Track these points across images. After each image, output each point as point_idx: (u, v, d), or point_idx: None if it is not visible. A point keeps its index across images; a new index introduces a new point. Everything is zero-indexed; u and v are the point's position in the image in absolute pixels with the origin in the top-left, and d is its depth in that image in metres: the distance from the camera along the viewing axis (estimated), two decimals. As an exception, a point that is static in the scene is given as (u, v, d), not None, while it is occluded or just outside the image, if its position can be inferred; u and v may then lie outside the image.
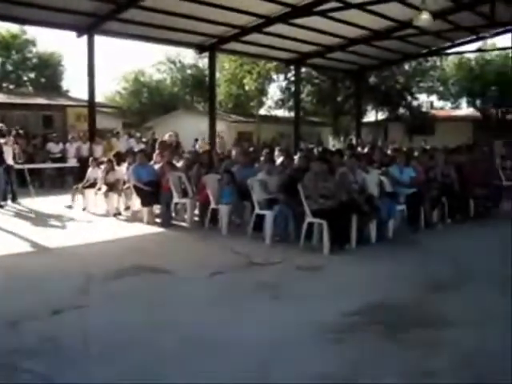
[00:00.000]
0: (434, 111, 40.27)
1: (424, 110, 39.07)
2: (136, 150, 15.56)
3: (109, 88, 47.34)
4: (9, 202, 13.49)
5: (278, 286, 6.35)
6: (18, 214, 12.15)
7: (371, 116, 39.20)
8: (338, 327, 4.91)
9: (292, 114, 31.33)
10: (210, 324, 5.03)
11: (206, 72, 32.26)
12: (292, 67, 28.24)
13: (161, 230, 10.15)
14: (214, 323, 5.04)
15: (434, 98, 41.56)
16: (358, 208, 8.31)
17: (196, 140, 25.27)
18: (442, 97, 39.99)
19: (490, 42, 24.64)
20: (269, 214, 8.74)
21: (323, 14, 17.29)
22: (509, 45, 23.29)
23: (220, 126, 23.69)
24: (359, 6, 16.57)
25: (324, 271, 7.10)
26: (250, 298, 5.86)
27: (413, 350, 4.44)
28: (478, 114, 37.57)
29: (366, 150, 17.00)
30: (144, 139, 22.50)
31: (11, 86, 38.89)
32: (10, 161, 13.56)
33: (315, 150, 16.67)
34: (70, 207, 12.25)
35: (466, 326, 4.95)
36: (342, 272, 7.08)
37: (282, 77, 37.70)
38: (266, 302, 5.71)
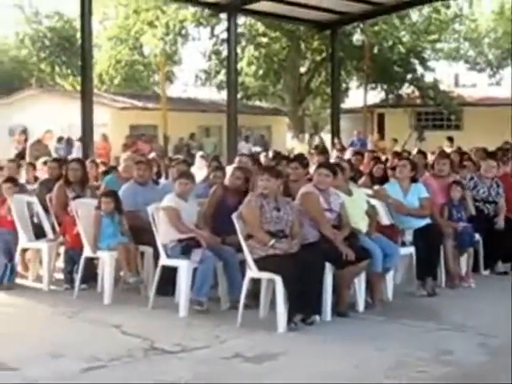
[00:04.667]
0: (460, 90, 40.82)
1: (444, 88, 39.59)
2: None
3: None
4: None
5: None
6: None
7: (357, 99, 39.61)
8: None
9: (223, 95, 31.47)
10: None
11: (76, 24, 32.19)
12: (223, 16, 28.41)
13: (-2, 295, 10.04)
14: None
15: (460, 67, 42.27)
16: (335, 253, 8.36)
17: (60, 140, 25.07)
18: (473, 66, 40.71)
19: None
20: (184, 267, 8.74)
21: None
22: None
23: (101, 116, 23.66)
24: None
25: (278, 361, 7.05)
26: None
27: None
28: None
29: (347, 155, 17.18)
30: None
31: None
32: None
33: (262, 156, 16.73)
34: None
35: None
36: (308, 362, 7.04)
37: (205, 32, 37.91)
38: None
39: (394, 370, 6.68)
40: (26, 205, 10.52)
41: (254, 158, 12.96)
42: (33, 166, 12.14)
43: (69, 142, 23.89)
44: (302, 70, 37.88)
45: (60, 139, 24.56)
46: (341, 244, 8.43)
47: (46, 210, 10.51)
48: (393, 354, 7.16)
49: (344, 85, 35.62)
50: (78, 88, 25.28)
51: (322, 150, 17.89)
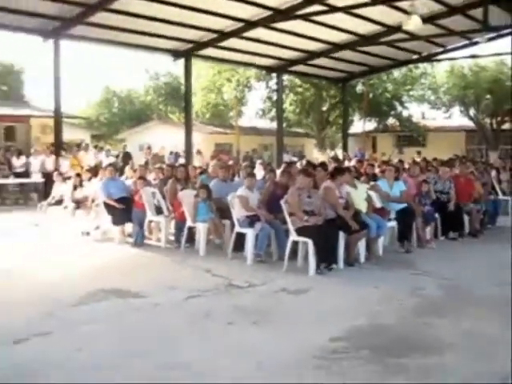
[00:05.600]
0: (425, 121, 40.59)
1: (415, 120, 39.35)
2: (105, 164, 15.57)
3: (76, 97, 47.15)
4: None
5: (259, 310, 6.35)
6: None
7: (358, 127, 39.46)
8: (324, 353, 4.92)
9: (274, 124, 31.51)
10: (184, 352, 5.01)
11: (182, 80, 32.41)
12: (274, 75, 28.44)
13: (133, 250, 10.10)
14: (189, 351, 5.03)
15: (425, 107, 41.95)
16: (345, 225, 8.34)
17: (171, 153, 25.23)
18: (433, 106, 40.33)
19: (483, 47, 24.98)
20: (250, 233, 8.75)
21: (306, 17, 17.43)
22: (503, 50, 23.51)
23: (196, 138, 23.75)
24: (345, 10, 16.74)
25: (309, 293, 7.10)
26: (229, 324, 5.84)
27: (401, 375, 4.47)
28: (471, 124, 37.90)
29: (352, 162, 17.12)
30: (115, 152, 22.44)
31: (-30, 96, 38.69)
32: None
33: (299, 164, 16.70)
34: (36, 225, 12.14)
35: (456, 351, 4.99)
36: (329, 294, 7.09)
37: (263, 85, 37.91)
38: (245, 328, 5.70)
39: (384, 301, 6.67)
40: (151, 194, 10.60)
41: (293, 164, 12.99)
42: (157, 169, 12.13)
43: (176, 154, 23.96)
44: (324, 108, 37.68)
45: (171, 152, 24.69)
46: (349, 219, 8.39)
47: (163, 197, 10.59)
48: (383, 291, 7.13)
49: (350, 118, 35.37)
50: (183, 120, 25.32)
51: (336, 160, 17.88)
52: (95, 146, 22.92)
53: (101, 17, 16.56)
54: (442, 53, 25.10)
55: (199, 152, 24.52)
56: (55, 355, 4.94)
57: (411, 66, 33.88)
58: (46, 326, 5.68)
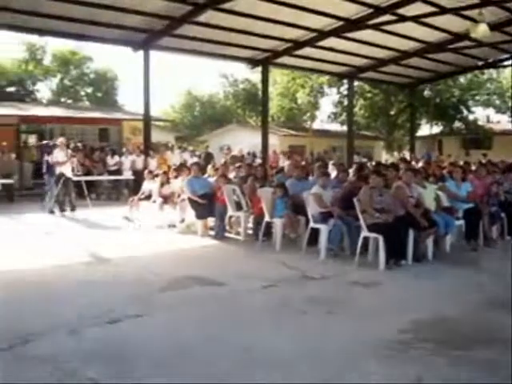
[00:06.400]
0: (490, 125, 39.39)
1: (480, 123, 38.27)
2: (189, 163, 15.77)
3: (162, 102, 48.03)
4: (67, 212, 13.89)
5: (331, 300, 6.29)
6: (77, 225, 12.44)
7: (425, 130, 38.71)
8: (393, 344, 4.83)
9: (344, 127, 31.24)
10: (263, 336, 5.03)
11: (258, 86, 32.49)
12: (345, 81, 28.17)
13: (214, 242, 10.20)
14: (268, 336, 5.04)
15: (490, 111, 40.67)
16: (415, 223, 8.16)
17: (248, 154, 25.39)
18: (498, 110, 39.03)
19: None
20: (323, 228, 8.67)
21: (377, 27, 17.21)
22: None
23: (272, 140, 23.76)
24: (414, 19, 16.43)
25: (379, 287, 6.99)
26: (303, 312, 5.81)
27: (466, 368, 4.33)
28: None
29: (420, 164, 16.73)
30: (197, 152, 22.72)
31: (69, 101, 39.97)
32: (68, 173, 13.97)
33: (368, 165, 16.46)
34: (126, 219, 12.43)
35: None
36: (398, 288, 6.97)
37: (334, 90, 37.68)
38: (319, 317, 5.65)
39: (449, 296, 6.51)
40: (232, 190, 10.66)
41: (364, 165, 12.81)
42: (237, 168, 12.19)
43: (254, 155, 24.07)
44: (392, 112, 37.09)
45: (248, 153, 24.81)
46: (419, 217, 8.22)
47: (243, 193, 10.63)
48: (449, 286, 6.98)
49: (417, 121, 34.67)
50: (259, 123, 25.41)
51: (405, 161, 17.49)
52: (179, 147, 23.27)
53: (185, 29, 16.84)
54: (508, 59, 24.29)
55: (274, 153, 24.51)
56: (144, 337, 5.03)
57: (477, 72, 32.93)
58: (136, 309, 5.80)
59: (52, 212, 13.92)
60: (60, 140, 14.53)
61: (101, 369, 4.26)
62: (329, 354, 4.63)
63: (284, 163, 16.59)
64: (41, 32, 17.90)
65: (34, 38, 38.04)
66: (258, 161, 20.60)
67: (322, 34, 18.35)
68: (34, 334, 4.96)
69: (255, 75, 38.25)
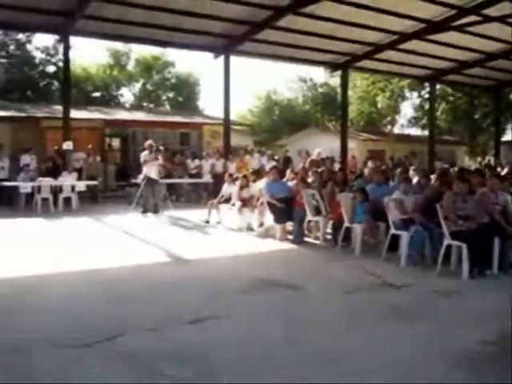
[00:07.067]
0: None
1: None
2: (267, 167, 15.87)
3: (241, 106, 48.47)
4: (149, 214, 14.27)
5: (412, 308, 6.17)
6: (159, 226, 12.75)
7: (510, 135, 37.35)
8: (473, 355, 4.67)
9: (425, 132, 30.56)
10: (344, 342, 4.98)
11: (338, 90, 32.27)
12: (426, 84, 27.58)
13: (293, 246, 10.19)
14: (349, 342, 4.99)
15: None
16: (501, 230, 7.87)
17: (327, 158, 25.23)
18: None
19: None
20: (404, 235, 8.49)
21: (461, 28, 16.76)
22: None
23: (351, 144, 23.55)
24: (500, 19, 15.89)
25: (462, 297, 6.77)
26: (383, 320, 5.70)
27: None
28: None
29: (505, 170, 16.14)
30: (276, 157, 22.79)
31: (151, 105, 40.99)
32: (153, 175, 14.38)
33: (451, 170, 16.02)
34: (206, 222, 12.66)
35: None
36: (481, 299, 6.70)
37: (415, 94, 36.96)
38: (399, 325, 5.53)
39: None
40: (311, 195, 10.63)
41: (446, 171, 12.48)
42: (316, 172, 12.11)
43: (332, 159, 23.89)
44: (476, 116, 36.03)
45: (327, 157, 24.63)
46: (505, 225, 7.93)
47: (322, 198, 10.58)
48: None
49: (503, 126, 33.46)
50: (338, 128, 25.27)
51: (490, 167, 16.97)
52: (258, 151, 23.43)
53: (265, 34, 16.97)
54: None
55: (353, 157, 24.27)
56: (224, 338, 5.08)
57: None
58: (216, 310, 5.88)
59: (145, 212, 14.36)
60: (148, 143, 14.98)
61: (181, 369, 4.33)
62: (410, 362, 4.53)
63: (368, 166, 16.32)
64: (126, 39, 18.51)
65: (119, 45, 39.29)
66: (336, 165, 20.42)
67: (404, 37, 18.06)
68: (116, 332, 5.11)
69: (334, 79, 38.08)
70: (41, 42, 36.58)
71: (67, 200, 15.83)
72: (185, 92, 43.70)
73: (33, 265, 8.10)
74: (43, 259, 8.56)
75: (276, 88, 47.89)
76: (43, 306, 6.06)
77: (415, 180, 11.25)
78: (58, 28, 16.06)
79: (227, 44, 17.70)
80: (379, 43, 18.67)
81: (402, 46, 18.83)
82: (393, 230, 8.78)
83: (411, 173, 12.56)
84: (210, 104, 61.10)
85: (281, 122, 45.42)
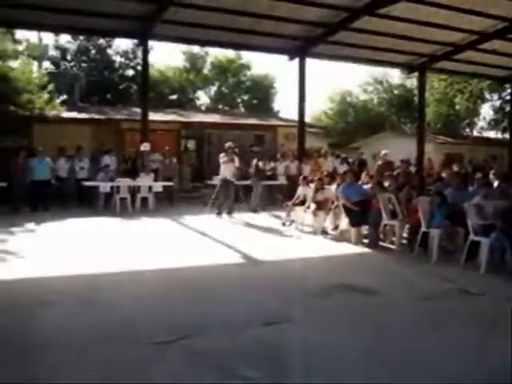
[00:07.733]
0: None
1: None
2: (341, 170, 15.76)
3: (315, 108, 48.21)
4: (224, 215, 14.45)
5: (490, 317, 5.98)
6: (233, 227, 12.90)
7: None
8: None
9: (505, 135, 29.54)
10: (421, 350, 4.89)
11: (414, 92, 31.67)
12: (507, 85, 26.67)
13: (368, 250, 10.09)
14: (427, 350, 4.88)
15: None
16: None
17: (402, 161, 24.77)
18: None
19: None
20: (484, 242, 8.23)
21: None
22: None
23: (427, 147, 23.04)
24: None
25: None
26: (461, 329, 5.56)
27: None
28: None
29: None
30: (350, 159, 22.56)
31: (226, 108, 41.43)
32: (229, 176, 14.57)
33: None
34: (283, 224, 12.73)
35: None
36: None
37: (495, 96, 35.80)
38: (478, 333, 5.39)
39: None
40: (387, 198, 10.46)
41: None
42: (391, 176, 11.88)
43: (408, 162, 23.45)
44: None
45: (402, 160, 24.19)
46: None
47: (398, 201, 10.41)
48: None
49: None
50: (414, 130, 24.78)
51: None
52: (332, 153, 23.27)
53: (341, 35, 16.88)
54: None
55: (430, 160, 23.74)
56: (298, 341, 5.08)
57: None
58: (290, 313, 5.89)
59: (220, 213, 14.59)
60: (228, 144, 15.19)
61: (256, 369, 4.37)
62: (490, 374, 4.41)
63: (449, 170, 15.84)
64: (202, 42, 18.80)
65: (195, 48, 39.93)
66: (412, 168, 20.02)
67: (485, 37, 17.52)
68: (192, 331, 5.22)
69: (410, 80, 37.36)
70: (120, 47, 37.32)
71: (144, 200, 16.23)
72: (259, 94, 43.91)
73: (114, 263, 8.42)
74: (124, 257, 8.86)
75: (351, 90, 47.35)
76: (124, 302, 6.28)
77: (495, 184, 10.90)
78: (137, 33, 16.56)
79: (302, 46, 17.70)
80: (459, 43, 18.20)
81: (482, 46, 18.28)
82: (472, 236, 8.53)
83: (491, 177, 12.18)
84: (285, 106, 61.17)
85: (355, 124, 44.87)
